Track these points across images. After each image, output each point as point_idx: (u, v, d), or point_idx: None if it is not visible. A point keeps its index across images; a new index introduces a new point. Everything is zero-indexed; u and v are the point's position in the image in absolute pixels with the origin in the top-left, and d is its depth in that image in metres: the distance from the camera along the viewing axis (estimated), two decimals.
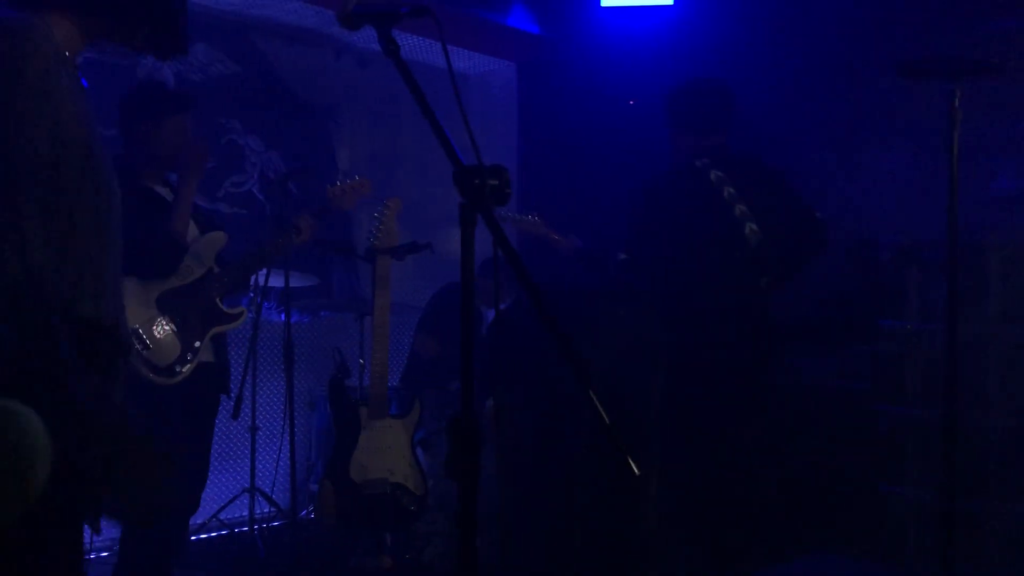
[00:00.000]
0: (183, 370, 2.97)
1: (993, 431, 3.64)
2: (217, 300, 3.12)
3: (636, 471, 1.32)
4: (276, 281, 3.89)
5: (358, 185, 3.40)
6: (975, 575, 3.48)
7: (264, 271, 3.72)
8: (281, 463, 4.32)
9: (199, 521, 4.00)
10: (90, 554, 3.25)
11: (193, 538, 4.06)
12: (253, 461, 4.21)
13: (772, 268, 3.22)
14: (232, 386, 3.45)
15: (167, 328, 2.98)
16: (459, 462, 1.52)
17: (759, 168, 3.25)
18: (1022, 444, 3.57)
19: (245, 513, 4.22)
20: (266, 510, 4.35)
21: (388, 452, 3.41)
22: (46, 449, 0.66)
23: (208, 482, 3.24)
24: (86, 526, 1.55)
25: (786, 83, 4.51)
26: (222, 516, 4.17)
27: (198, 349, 3.03)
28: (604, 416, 1.40)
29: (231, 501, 4.20)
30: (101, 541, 3.71)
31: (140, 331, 2.93)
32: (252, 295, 4.12)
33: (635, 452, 1.33)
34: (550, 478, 2.87)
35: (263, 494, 4.24)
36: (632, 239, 3.21)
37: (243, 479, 4.35)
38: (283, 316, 3.87)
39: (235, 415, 3.65)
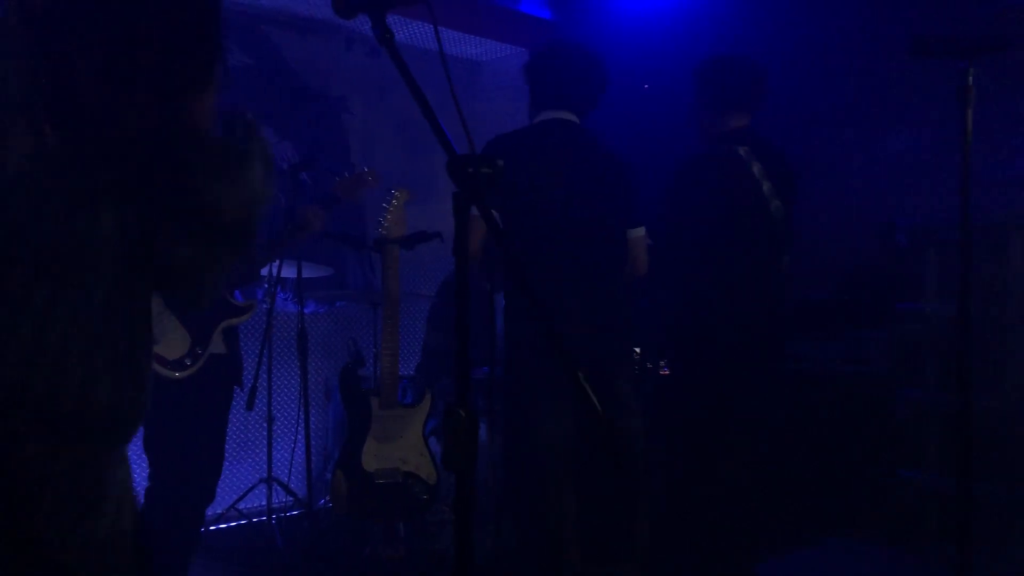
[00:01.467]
0: (192, 364, 2.99)
1: (1014, 415, 3.59)
2: (227, 293, 3.13)
3: (619, 461, 1.30)
4: (290, 272, 3.90)
5: (366, 176, 3.42)
6: (993, 561, 3.43)
7: (276, 262, 3.74)
8: (297, 453, 4.34)
9: (217, 511, 4.03)
10: None
11: (211, 528, 4.09)
12: (270, 451, 4.23)
13: (790, 247, 3.17)
14: (247, 377, 3.47)
15: (175, 322, 2.99)
16: (456, 452, 1.51)
17: (780, 154, 3.20)
18: None
19: (263, 503, 4.24)
20: (284, 500, 4.37)
21: (400, 441, 3.41)
22: None
23: (225, 472, 3.28)
24: None
25: (800, 64, 4.45)
26: (240, 506, 4.20)
27: (208, 342, 3.04)
28: (596, 406, 1.38)
29: (248, 491, 4.23)
30: None
31: None
32: (267, 286, 4.14)
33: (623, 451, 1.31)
34: (549, 472, 2.86)
35: (280, 484, 4.26)
36: (656, 220, 3.16)
37: (260, 469, 4.38)
38: (297, 307, 3.88)
39: (249, 406, 3.67)
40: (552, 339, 1.41)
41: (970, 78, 2.36)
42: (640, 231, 3.06)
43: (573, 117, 3.00)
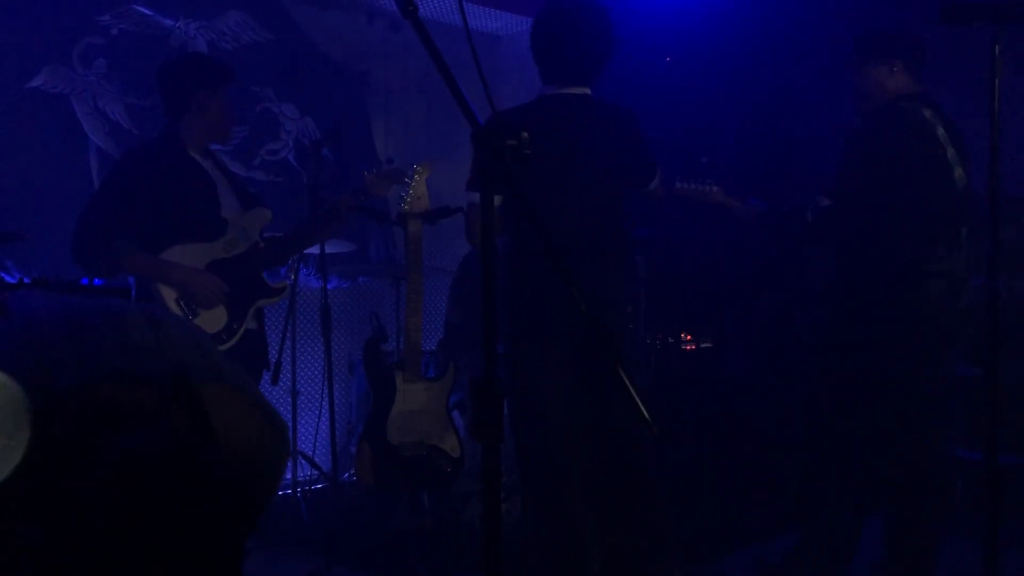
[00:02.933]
0: (229, 339, 3.04)
1: None
2: (261, 274, 3.20)
3: (653, 428, 1.31)
4: (313, 247, 3.92)
5: (394, 172, 3.44)
6: (1022, 532, 3.43)
7: None
8: (322, 427, 4.39)
9: None
10: None
11: None
12: (295, 425, 4.28)
13: (971, 218, 2.98)
14: (272, 352, 3.51)
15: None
16: (483, 423, 1.52)
17: (955, 122, 3.01)
18: None
19: (288, 476, 4.29)
20: (309, 473, 4.42)
21: (424, 415, 3.44)
22: (25, 414, 0.66)
23: None
24: None
25: (828, 35, 4.39)
26: None
27: (244, 319, 3.10)
28: (625, 378, 1.39)
29: None
30: None
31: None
32: (290, 261, 4.17)
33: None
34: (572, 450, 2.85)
35: (305, 457, 4.30)
36: (839, 182, 3.01)
37: None
38: (320, 282, 3.90)
39: (274, 380, 3.71)
40: (584, 310, 1.41)
41: (998, 47, 2.32)
42: (655, 182, 2.99)
43: (576, 89, 2.87)
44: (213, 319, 3.03)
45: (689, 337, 4.89)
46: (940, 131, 2.91)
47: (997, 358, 2.32)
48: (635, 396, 1.32)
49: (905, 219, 2.91)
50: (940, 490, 3.01)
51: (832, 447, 3.05)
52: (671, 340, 4.79)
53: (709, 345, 4.93)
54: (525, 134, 1.53)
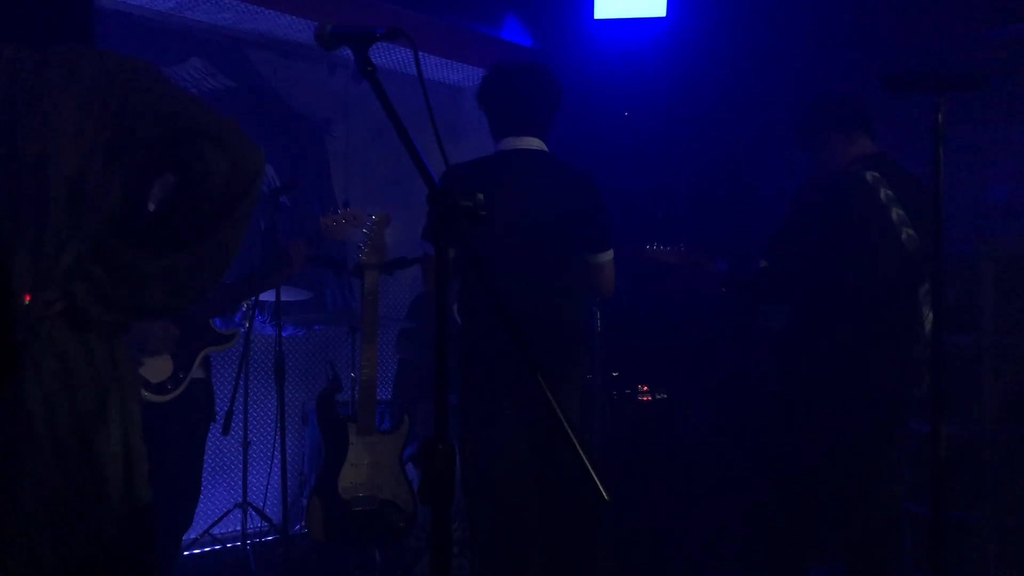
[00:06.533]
0: (175, 388, 2.99)
1: (988, 442, 3.62)
2: (209, 321, 3.15)
3: (606, 497, 1.31)
4: (268, 295, 3.89)
5: (351, 216, 3.43)
6: None
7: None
8: (273, 478, 4.31)
9: (191, 536, 3.99)
10: None
11: (185, 553, 4.04)
12: (245, 476, 4.20)
13: (927, 280, 2.95)
14: (224, 400, 3.46)
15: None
16: (432, 486, 1.51)
17: (917, 183, 3.02)
18: (1016, 456, 3.56)
19: (237, 528, 4.20)
20: (259, 525, 4.33)
21: (377, 468, 3.40)
22: None
23: (200, 497, 3.25)
24: None
25: (775, 96, 4.51)
26: (214, 531, 4.16)
27: (191, 367, 3.05)
28: (577, 445, 1.39)
29: (223, 516, 4.19)
30: None
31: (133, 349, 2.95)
32: (244, 308, 4.13)
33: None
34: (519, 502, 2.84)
35: (255, 509, 4.22)
36: (776, 245, 3.04)
37: (235, 494, 4.34)
38: (275, 330, 3.87)
39: (225, 430, 3.66)
40: (527, 361, 1.42)
41: (940, 115, 2.40)
42: (607, 255, 2.98)
43: (534, 142, 2.91)
44: (158, 369, 2.97)
45: (645, 388, 4.91)
46: (884, 193, 2.94)
47: (942, 414, 2.37)
48: (588, 465, 1.32)
49: (847, 282, 2.94)
50: (893, 543, 3.04)
51: (785, 499, 3.07)
52: (627, 391, 4.81)
53: (665, 396, 4.96)
54: (480, 195, 1.55)
